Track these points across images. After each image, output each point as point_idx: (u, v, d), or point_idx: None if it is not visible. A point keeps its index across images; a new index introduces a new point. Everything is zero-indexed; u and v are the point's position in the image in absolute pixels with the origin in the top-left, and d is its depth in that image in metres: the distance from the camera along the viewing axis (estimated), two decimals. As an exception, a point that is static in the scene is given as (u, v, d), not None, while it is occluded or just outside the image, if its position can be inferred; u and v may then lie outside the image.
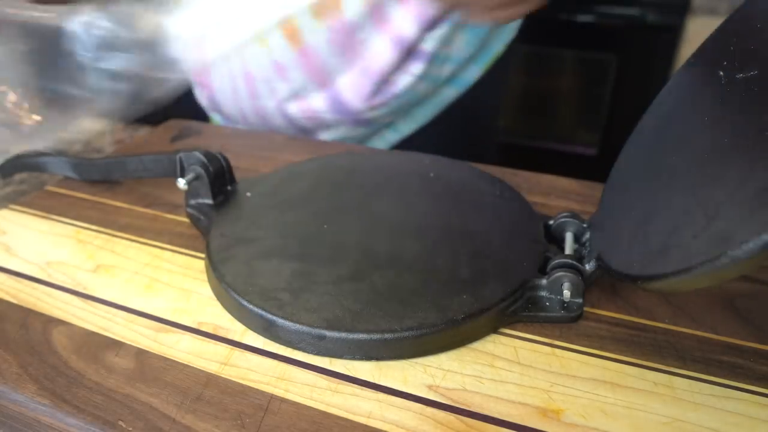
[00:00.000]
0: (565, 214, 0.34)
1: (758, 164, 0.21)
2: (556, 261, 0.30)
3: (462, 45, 0.55)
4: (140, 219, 0.40)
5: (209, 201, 0.37)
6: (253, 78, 0.55)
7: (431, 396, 0.26)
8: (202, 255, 0.35)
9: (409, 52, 0.52)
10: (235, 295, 0.29)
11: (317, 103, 0.55)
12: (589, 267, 0.30)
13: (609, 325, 0.30)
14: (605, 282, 0.32)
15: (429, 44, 0.52)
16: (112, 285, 0.33)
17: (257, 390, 0.26)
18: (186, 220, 0.39)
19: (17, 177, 0.51)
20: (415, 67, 0.53)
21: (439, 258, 0.32)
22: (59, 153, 0.45)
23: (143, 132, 0.61)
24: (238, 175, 0.40)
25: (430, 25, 0.51)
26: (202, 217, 0.37)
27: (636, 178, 0.31)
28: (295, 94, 0.55)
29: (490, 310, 0.28)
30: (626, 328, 0.30)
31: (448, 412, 0.25)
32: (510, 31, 0.60)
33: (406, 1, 0.50)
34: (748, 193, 0.21)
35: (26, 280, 0.34)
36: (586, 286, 0.30)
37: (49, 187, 0.44)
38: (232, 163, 0.39)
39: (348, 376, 0.27)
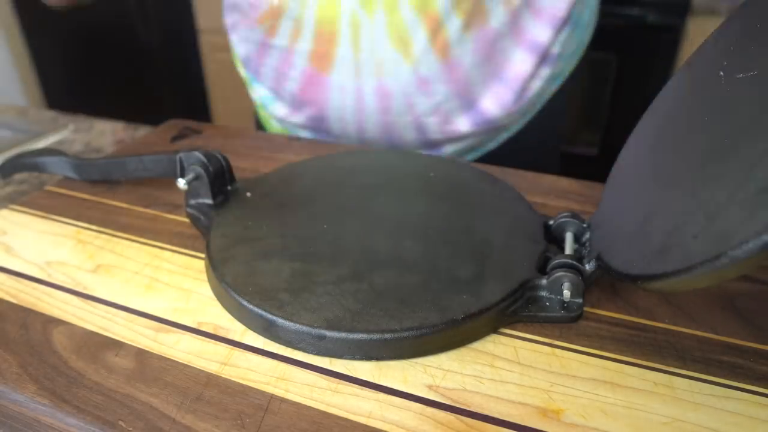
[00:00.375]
0: (565, 214, 0.34)
1: (758, 164, 0.21)
2: (556, 261, 0.30)
3: (573, 42, 0.56)
4: (140, 219, 0.40)
5: (209, 201, 0.37)
6: (389, 94, 0.52)
7: (431, 396, 0.26)
8: (202, 255, 0.35)
9: (543, 58, 0.53)
10: (235, 295, 0.29)
11: (458, 117, 0.54)
12: (589, 267, 0.30)
13: (609, 325, 0.30)
14: (605, 282, 0.32)
15: (556, 47, 0.53)
16: (112, 285, 0.33)
17: (257, 390, 0.26)
18: (186, 220, 0.39)
19: (17, 177, 0.51)
20: (545, 71, 0.54)
21: (439, 258, 0.32)
22: (59, 153, 0.45)
23: (143, 132, 0.61)
24: (238, 175, 0.40)
25: (561, 28, 0.52)
26: (202, 217, 0.37)
27: (636, 178, 0.31)
28: (437, 109, 0.53)
29: (490, 310, 0.28)
30: (626, 328, 0.30)
31: (448, 412, 0.25)
32: (592, 22, 0.60)
33: (539, 7, 0.51)
34: (748, 193, 0.21)
35: (26, 280, 0.34)
36: (586, 286, 0.30)
37: (49, 187, 0.44)
38: (232, 163, 0.39)
39: (348, 376, 0.27)
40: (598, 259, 0.29)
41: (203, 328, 0.30)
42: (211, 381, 0.26)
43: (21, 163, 0.45)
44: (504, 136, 0.59)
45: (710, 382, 0.26)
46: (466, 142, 0.57)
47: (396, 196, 0.38)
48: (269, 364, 0.27)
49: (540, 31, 0.51)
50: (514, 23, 0.50)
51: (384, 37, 0.49)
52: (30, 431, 0.27)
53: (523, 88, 0.54)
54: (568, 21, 0.53)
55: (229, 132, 0.55)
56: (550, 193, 0.42)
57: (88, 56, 2.02)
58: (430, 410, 0.25)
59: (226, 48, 0.71)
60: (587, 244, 0.32)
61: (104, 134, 0.62)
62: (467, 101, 0.53)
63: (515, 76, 0.53)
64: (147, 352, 0.28)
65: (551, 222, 0.35)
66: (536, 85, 0.55)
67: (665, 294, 0.32)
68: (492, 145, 0.60)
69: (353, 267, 0.31)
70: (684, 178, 0.26)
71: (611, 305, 0.31)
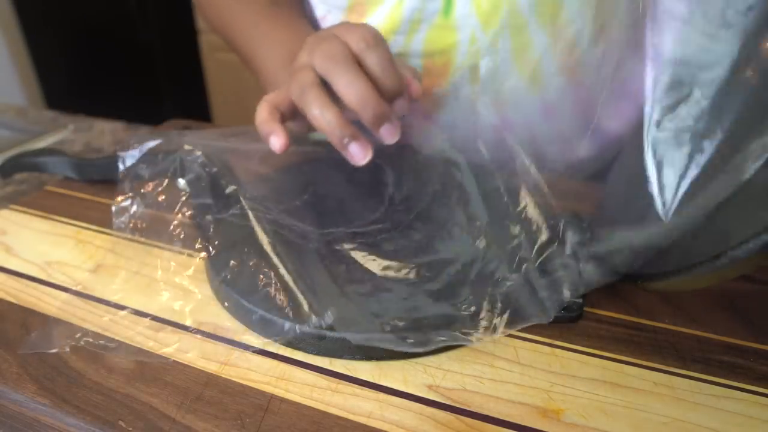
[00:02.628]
0: (565, 214, 0.34)
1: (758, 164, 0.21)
2: (556, 261, 0.30)
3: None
4: (140, 219, 0.40)
5: (209, 201, 0.37)
6: (510, 123, 0.47)
7: (431, 396, 0.26)
8: (202, 255, 0.35)
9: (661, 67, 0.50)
10: (235, 295, 0.29)
11: (579, 142, 0.49)
12: (589, 267, 0.30)
13: (609, 325, 0.30)
14: (605, 282, 0.32)
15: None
16: (112, 285, 0.33)
17: (257, 390, 0.26)
18: (186, 220, 0.39)
19: (17, 177, 0.51)
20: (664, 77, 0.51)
21: (439, 257, 0.32)
22: (59, 153, 0.45)
23: (143, 132, 0.61)
24: (237, 175, 0.40)
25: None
26: (202, 217, 0.37)
27: (636, 178, 0.31)
28: (559, 135, 0.48)
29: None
30: (626, 328, 0.30)
31: (448, 412, 0.25)
32: None
33: (655, 14, 0.47)
34: (748, 193, 0.21)
35: (26, 280, 0.34)
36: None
37: (49, 187, 0.44)
38: (232, 163, 0.39)
39: (348, 376, 0.27)
40: (598, 259, 0.29)
41: (203, 328, 0.30)
42: (211, 381, 0.26)
43: (21, 163, 0.45)
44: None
45: (710, 382, 0.26)
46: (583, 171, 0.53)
47: (397, 193, 0.38)
48: (269, 364, 0.27)
49: (661, 40, 0.47)
50: (636, 32, 0.45)
51: (508, 63, 0.44)
52: (30, 431, 0.27)
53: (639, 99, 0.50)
54: None
55: (230, 132, 0.55)
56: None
57: (88, 56, 2.02)
58: (430, 410, 0.25)
59: (226, 48, 0.70)
60: (587, 244, 0.32)
61: (104, 134, 0.62)
62: (590, 123, 0.48)
63: (638, 89, 0.49)
64: (147, 352, 0.28)
65: (551, 222, 0.35)
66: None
67: (665, 294, 0.32)
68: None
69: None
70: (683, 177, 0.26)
71: (611, 305, 0.31)
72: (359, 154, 0.32)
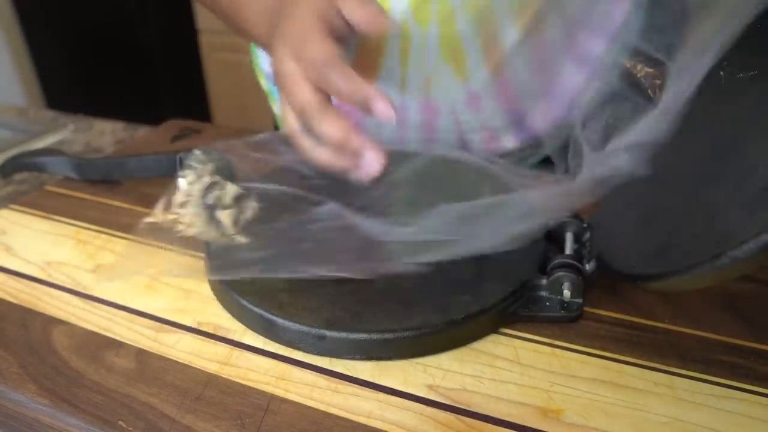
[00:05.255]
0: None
1: (758, 164, 0.21)
2: (556, 261, 0.30)
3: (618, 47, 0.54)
4: (140, 219, 0.40)
5: (209, 201, 0.37)
6: (436, 110, 0.50)
7: (431, 396, 0.26)
8: (202, 255, 0.35)
9: (594, 70, 0.50)
10: (235, 295, 0.29)
11: (505, 134, 0.52)
12: (589, 267, 0.30)
13: (609, 325, 0.30)
14: (605, 282, 0.32)
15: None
16: (112, 285, 0.33)
17: (257, 390, 0.26)
18: (186, 220, 0.39)
19: (17, 177, 0.51)
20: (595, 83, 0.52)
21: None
22: (59, 153, 0.45)
23: (143, 132, 0.61)
24: (237, 175, 0.40)
25: (615, 40, 0.48)
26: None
27: (636, 178, 0.31)
28: (483, 125, 0.51)
29: (490, 309, 0.28)
30: (626, 328, 0.30)
31: (448, 412, 0.25)
32: None
33: (595, 19, 0.48)
34: (748, 193, 0.21)
35: (26, 280, 0.34)
36: (586, 286, 0.30)
37: (49, 187, 0.44)
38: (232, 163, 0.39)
39: (348, 376, 0.27)
40: (598, 259, 0.29)
41: (203, 328, 0.30)
42: (211, 381, 0.26)
43: (21, 163, 0.45)
44: (543, 154, 0.58)
45: (710, 382, 0.26)
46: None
47: (397, 194, 0.38)
48: (269, 364, 0.27)
49: (593, 43, 0.48)
50: (569, 36, 0.48)
51: (435, 51, 0.47)
52: (30, 431, 0.27)
53: (572, 101, 0.50)
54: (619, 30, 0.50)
55: (229, 132, 0.55)
56: (550, 193, 0.42)
57: (88, 56, 2.02)
58: (430, 410, 0.25)
59: (226, 48, 0.70)
60: (587, 244, 0.32)
61: (104, 134, 0.62)
62: (515, 117, 0.51)
63: (566, 90, 0.50)
64: (147, 352, 0.28)
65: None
66: (587, 97, 0.52)
67: (665, 294, 0.32)
68: (532, 160, 0.58)
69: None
70: (684, 178, 0.26)
71: (611, 305, 0.31)
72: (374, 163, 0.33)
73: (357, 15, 0.34)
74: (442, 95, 0.49)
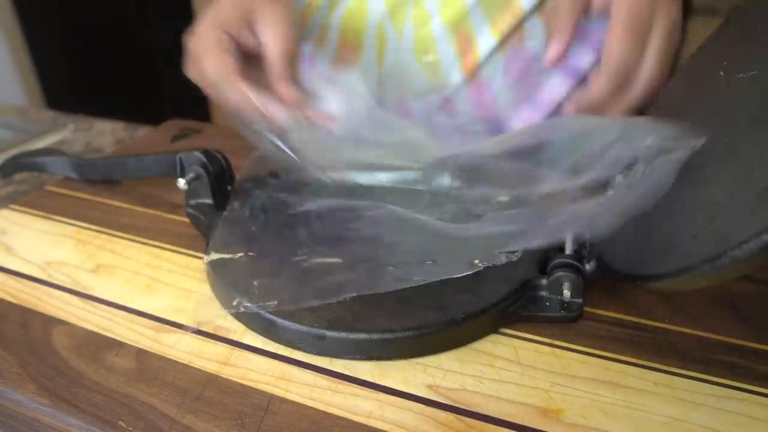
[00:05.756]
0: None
1: (758, 164, 0.21)
2: (556, 261, 0.30)
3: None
4: (140, 219, 0.40)
5: (209, 201, 0.37)
6: (409, 111, 0.50)
7: (431, 396, 0.26)
8: (202, 255, 0.35)
9: (580, 82, 0.50)
10: (236, 296, 0.29)
11: (479, 139, 0.52)
12: (589, 267, 0.30)
13: (609, 325, 0.30)
14: (605, 282, 0.32)
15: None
16: (112, 285, 0.33)
17: (257, 390, 0.26)
18: (186, 220, 0.39)
19: (17, 177, 0.51)
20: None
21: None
22: (59, 153, 0.45)
23: (143, 132, 0.61)
24: (238, 175, 0.40)
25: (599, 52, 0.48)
26: (202, 217, 0.37)
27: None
28: (459, 130, 0.51)
29: (490, 309, 0.28)
30: (626, 328, 0.30)
31: (448, 412, 0.25)
32: None
33: (584, 31, 0.47)
34: (748, 193, 0.21)
35: (26, 280, 0.34)
36: (586, 286, 0.30)
37: (49, 187, 0.44)
38: (232, 163, 0.39)
39: (348, 376, 0.27)
40: (598, 259, 0.29)
41: (203, 328, 0.30)
42: (211, 381, 0.26)
43: (21, 163, 0.45)
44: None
45: (710, 382, 0.26)
46: None
47: (394, 195, 0.38)
48: (269, 364, 0.27)
49: (582, 57, 0.48)
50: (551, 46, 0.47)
51: (410, 53, 0.47)
52: (30, 431, 0.27)
53: (553, 112, 0.50)
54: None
55: (229, 132, 0.55)
56: (550, 193, 0.42)
57: (88, 56, 2.02)
58: (430, 410, 0.25)
59: (226, 48, 0.70)
60: (587, 244, 0.32)
61: (104, 134, 0.62)
62: (493, 125, 0.51)
63: (549, 100, 0.50)
64: (147, 352, 0.28)
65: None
66: (570, 109, 0.52)
67: (665, 294, 0.32)
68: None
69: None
70: (684, 178, 0.26)
71: (611, 305, 0.31)
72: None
73: (268, 38, 0.35)
74: (416, 97, 0.50)
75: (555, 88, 0.50)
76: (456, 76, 0.48)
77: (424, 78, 0.48)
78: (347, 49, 0.49)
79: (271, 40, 0.35)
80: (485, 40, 0.46)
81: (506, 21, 0.46)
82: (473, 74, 0.48)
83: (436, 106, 0.49)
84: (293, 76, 0.36)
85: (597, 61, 0.48)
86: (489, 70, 0.48)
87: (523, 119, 0.50)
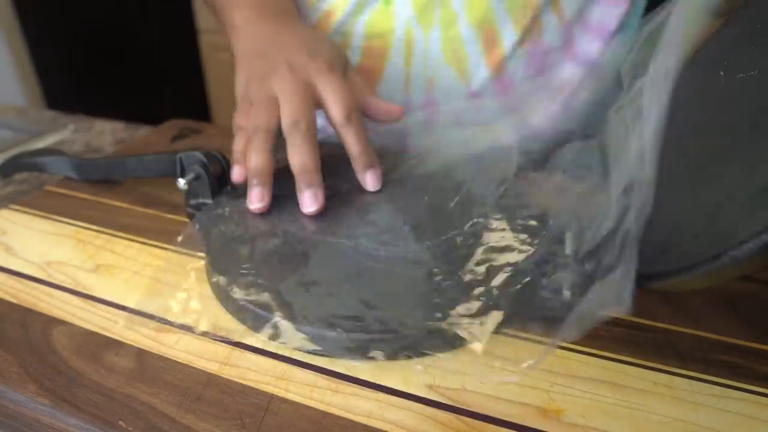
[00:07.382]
0: (565, 213, 0.34)
1: (758, 164, 0.21)
2: (556, 261, 0.30)
3: (616, 49, 0.55)
4: (140, 219, 0.40)
5: (209, 201, 0.37)
6: (437, 107, 0.52)
7: (431, 396, 0.26)
8: (202, 255, 0.35)
9: (589, 70, 0.52)
10: (236, 294, 0.29)
11: (505, 132, 0.53)
12: (589, 267, 0.30)
13: (609, 325, 0.30)
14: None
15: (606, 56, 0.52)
16: (112, 285, 0.33)
17: (257, 390, 0.26)
18: (186, 220, 0.39)
19: (17, 177, 0.51)
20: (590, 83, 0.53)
21: (438, 257, 0.32)
22: (59, 153, 0.45)
23: (143, 132, 0.61)
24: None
25: (610, 40, 0.51)
26: (202, 217, 0.37)
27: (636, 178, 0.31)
28: (483, 124, 0.52)
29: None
30: (626, 328, 0.30)
31: (448, 412, 0.25)
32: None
33: (590, 21, 0.50)
34: (748, 193, 0.21)
35: (26, 280, 0.34)
36: (587, 286, 0.30)
37: (49, 187, 0.44)
38: (232, 163, 0.39)
39: (348, 376, 0.27)
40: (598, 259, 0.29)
41: (203, 328, 0.30)
42: (211, 381, 0.26)
43: (21, 163, 0.45)
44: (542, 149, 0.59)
45: (710, 382, 0.26)
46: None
47: (393, 195, 0.38)
48: (269, 364, 0.27)
49: (590, 45, 0.51)
50: (566, 37, 0.50)
51: (438, 53, 0.49)
52: (30, 431, 0.27)
53: (570, 99, 0.52)
54: (617, 32, 0.52)
55: (229, 132, 0.55)
56: (550, 193, 0.42)
57: (87, 56, 2.03)
58: (430, 410, 0.25)
59: (226, 48, 0.70)
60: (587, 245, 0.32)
61: (104, 134, 0.62)
62: (516, 116, 0.52)
63: (564, 89, 0.52)
64: (147, 352, 0.28)
65: (550, 221, 0.35)
66: (583, 95, 0.54)
67: (665, 294, 0.32)
68: (531, 156, 0.59)
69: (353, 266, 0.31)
70: (684, 178, 0.26)
71: (611, 305, 0.31)
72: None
73: (330, 100, 0.37)
74: (443, 95, 0.51)
75: (568, 76, 0.51)
76: (482, 73, 0.49)
77: (453, 75, 0.50)
78: (374, 52, 0.50)
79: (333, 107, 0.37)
80: (509, 35, 0.48)
81: (527, 16, 0.47)
82: (499, 69, 0.49)
83: (463, 102, 0.51)
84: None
85: (603, 46, 0.51)
86: (513, 64, 0.50)
87: (543, 109, 0.52)
